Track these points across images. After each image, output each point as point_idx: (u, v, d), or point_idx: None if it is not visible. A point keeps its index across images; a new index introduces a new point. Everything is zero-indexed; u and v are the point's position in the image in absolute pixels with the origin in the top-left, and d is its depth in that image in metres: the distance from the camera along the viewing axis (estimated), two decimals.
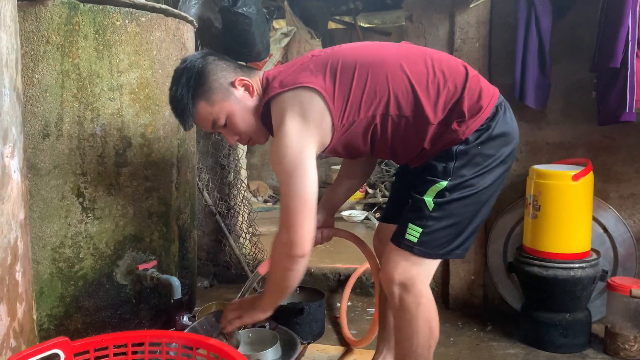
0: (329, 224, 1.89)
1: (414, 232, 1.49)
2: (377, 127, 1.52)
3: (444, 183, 1.48)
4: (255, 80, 1.59)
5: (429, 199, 1.49)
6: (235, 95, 1.55)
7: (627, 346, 2.22)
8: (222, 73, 1.56)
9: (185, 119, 1.57)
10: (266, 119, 1.55)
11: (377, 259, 1.94)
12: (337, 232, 1.94)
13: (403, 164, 1.71)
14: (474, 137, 1.48)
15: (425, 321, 1.53)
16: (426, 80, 1.49)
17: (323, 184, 5.61)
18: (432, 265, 1.55)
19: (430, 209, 1.48)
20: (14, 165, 1.35)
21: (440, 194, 1.48)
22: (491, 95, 1.52)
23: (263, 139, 1.65)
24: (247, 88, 1.57)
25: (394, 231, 1.57)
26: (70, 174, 1.84)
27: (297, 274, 1.50)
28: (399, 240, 1.52)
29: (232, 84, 1.55)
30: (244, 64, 1.63)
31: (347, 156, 1.70)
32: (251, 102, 1.57)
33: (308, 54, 1.62)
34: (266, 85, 1.56)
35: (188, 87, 1.53)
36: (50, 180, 1.82)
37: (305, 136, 1.44)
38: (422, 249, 1.50)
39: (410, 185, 1.60)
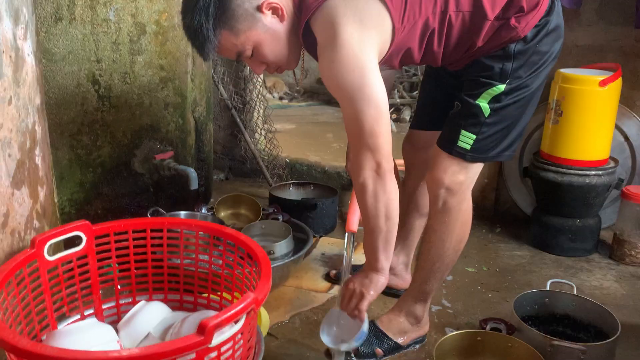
0: None
1: (467, 139, 1.43)
2: (435, 29, 1.38)
3: (502, 87, 1.39)
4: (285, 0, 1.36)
5: (484, 104, 1.41)
6: (263, 22, 1.33)
7: (633, 252, 2.26)
8: None
9: (206, 51, 1.35)
10: (309, 37, 1.35)
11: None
12: None
13: (442, 66, 1.58)
14: (532, 34, 1.37)
15: (461, 224, 1.55)
16: None
17: None
18: (479, 169, 1.52)
19: (487, 115, 1.41)
20: (27, 48, 1.32)
21: (496, 98, 1.40)
22: None
23: (294, 65, 1.46)
24: (276, 11, 1.34)
25: (442, 135, 1.50)
26: (84, 61, 1.81)
27: (394, 195, 1.36)
28: (451, 147, 1.46)
29: (259, 9, 1.32)
30: None
31: (397, 66, 1.52)
32: (281, 27, 1.36)
33: None
34: (300, 1, 1.35)
35: (207, 15, 1.30)
36: (65, 66, 1.79)
37: (366, 45, 1.27)
38: (474, 155, 1.45)
39: (451, 87, 1.53)
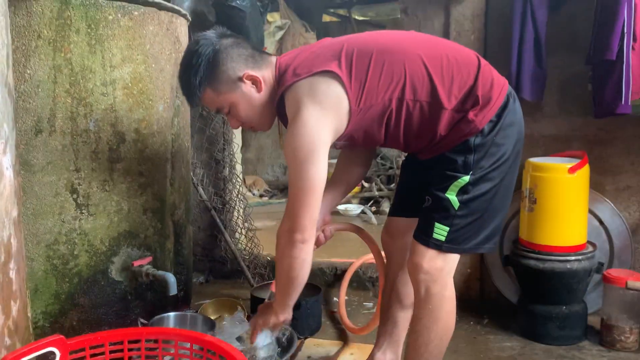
0: (327, 222, 1.89)
1: (441, 231, 1.51)
2: (392, 112, 1.52)
3: (467, 178, 1.49)
4: (267, 73, 1.59)
5: (453, 197, 1.50)
6: (242, 90, 1.57)
7: (622, 338, 2.23)
8: (232, 64, 1.56)
9: (190, 101, 1.62)
10: (281, 109, 1.57)
11: (378, 246, 1.99)
12: (338, 226, 1.95)
13: (413, 153, 1.72)
14: (488, 128, 1.49)
15: (446, 313, 1.57)
16: (440, 66, 1.50)
17: None
18: (457, 258, 1.58)
19: (456, 208, 1.50)
20: (7, 162, 1.33)
21: (463, 189, 1.49)
22: (502, 85, 1.54)
23: (267, 127, 1.67)
24: (255, 83, 1.58)
25: (418, 228, 1.59)
26: (63, 170, 1.82)
27: (303, 263, 1.52)
28: (426, 239, 1.54)
29: (240, 79, 1.56)
30: (258, 49, 1.66)
31: (363, 145, 1.70)
32: (258, 96, 1.59)
33: (320, 41, 1.64)
34: (280, 76, 1.57)
35: (197, 74, 1.54)
36: (44, 177, 1.80)
37: (322, 124, 1.46)
38: (450, 246, 1.53)
39: (424, 179, 1.62)
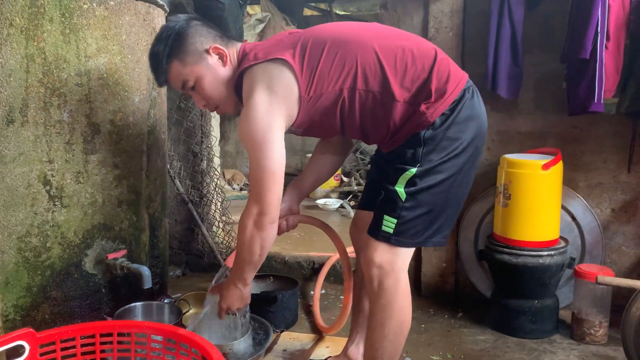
0: (294, 211, 1.89)
1: (389, 224, 1.52)
2: (345, 101, 1.54)
3: (413, 170, 1.49)
4: (232, 51, 1.64)
5: (400, 189, 1.50)
6: (208, 62, 1.60)
7: (592, 331, 2.28)
8: (200, 38, 1.60)
9: (158, 74, 1.63)
10: (239, 90, 1.60)
11: (342, 241, 2.01)
12: (302, 218, 1.93)
13: (374, 145, 1.74)
14: (440, 121, 1.49)
15: (400, 308, 1.56)
16: (394, 58, 1.51)
17: (297, 172, 5.60)
18: (409, 252, 1.57)
19: (403, 200, 1.50)
20: None
21: (410, 181, 1.50)
22: (459, 79, 1.54)
23: (231, 109, 1.69)
24: (221, 57, 1.62)
25: (371, 222, 1.59)
26: (36, 162, 1.79)
27: (267, 242, 1.57)
28: (376, 232, 1.54)
29: (207, 51, 1.60)
30: (225, 33, 1.70)
31: (321, 133, 1.74)
32: (223, 71, 1.62)
33: (286, 31, 1.66)
34: (242, 57, 1.61)
35: (165, 45, 1.59)
36: (15, 168, 1.77)
37: (273, 109, 1.50)
38: (398, 239, 1.52)
39: (384, 173, 1.62)
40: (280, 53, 1.53)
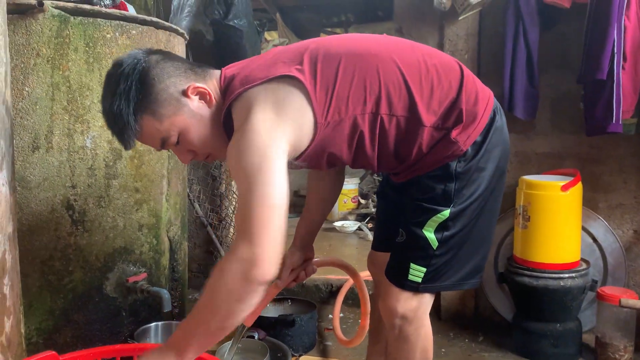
0: (309, 257, 1.69)
1: (417, 272, 1.36)
2: (364, 129, 1.29)
3: (446, 212, 1.31)
4: (213, 84, 1.31)
5: (430, 235, 1.33)
6: (190, 107, 1.26)
7: (617, 356, 2.23)
8: (171, 80, 1.25)
9: (126, 138, 1.25)
10: (228, 126, 1.27)
11: (360, 277, 1.86)
12: (321, 262, 1.78)
13: (383, 172, 1.56)
14: (472, 151, 1.31)
15: (422, 351, 1.48)
16: (419, 75, 1.29)
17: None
18: (434, 295, 1.46)
19: (435, 248, 1.33)
20: (3, 179, 1.34)
21: (443, 225, 1.32)
22: (487, 98, 1.36)
23: (224, 153, 1.26)
24: (203, 96, 1.28)
25: (390, 266, 1.43)
26: (59, 187, 1.84)
27: (248, 309, 1.11)
28: (402, 281, 1.38)
29: (184, 93, 1.26)
30: (196, 63, 1.35)
31: (325, 166, 1.41)
32: (209, 112, 1.28)
33: (272, 49, 1.37)
34: (225, 87, 1.29)
35: (128, 100, 1.21)
36: (40, 193, 1.81)
37: (277, 130, 1.16)
38: (427, 286, 1.38)
39: (399, 208, 1.46)
40: (283, 69, 1.23)
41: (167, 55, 1.30)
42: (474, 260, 1.41)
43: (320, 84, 1.24)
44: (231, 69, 1.34)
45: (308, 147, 1.27)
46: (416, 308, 1.40)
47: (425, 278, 1.36)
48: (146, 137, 1.28)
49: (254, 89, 1.21)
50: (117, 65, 1.25)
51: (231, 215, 3.18)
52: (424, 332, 1.46)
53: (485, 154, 1.33)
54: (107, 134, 1.88)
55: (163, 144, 1.29)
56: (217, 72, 1.34)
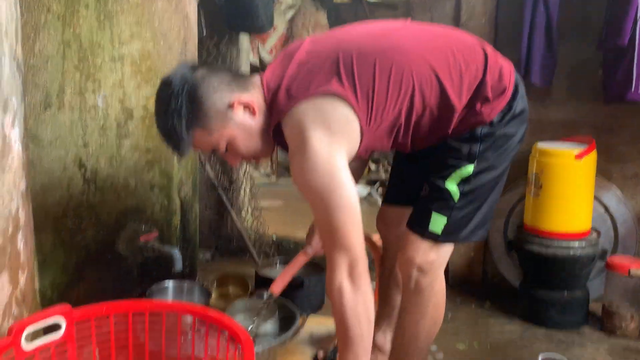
0: None
1: (438, 223, 1.44)
2: (402, 124, 1.42)
3: (470, 168, 1.42)
4: (256, 94, 1.40)
5: (453, 188, 1.43)
6: (235, 120, 1.37)
7: (623, 325, 2.24)
8: (217, 94, 1.35)
9: (181, 151, 1.39)
10: (279, 137, 1.40)
11: (379, 249, 1.91)
12: None
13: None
14: (498, 118, 1.42)
15: (434, 306, 1.53)
16: (447, 66, 1.38)
17: None
18: (450, 250, 1.52)
19: (456, 200, 1.43)
20: (15, 136, 1.35)
21: (465, 180, 1.43)
22: (509, 72, 1.45)
23: (269, 154, 1.49)
24: (248, 108, 1.38)
25: (412, 217, 1.51)
26: (72, 145, 1.84)
27: (370, 297, 1.33)
28: (423, 231, 1.46)
29: (231, 106, 1.36)
30: (238, 72, 1.50)
31: (365, 155, 1.54)
32: (253, 122, 1.39)
33: (303, 45, 1.43)
34: (272, 99, 1.38)
35: (180, 117, 1.32)
36: (52, 151, 1.82)
37: (334, 149, 1.29)
38: (446, 237, 1.46)
39: (421, 166, 1.55)
40: (325, 84, 1.31)
41: (211, 69, 1.40)
42: (481, 215, 1.49)
43: (361, 92, 1.33)
44: (270, 74, 1.41)
45: (359, 149, 1.39)
46: (433, 261, 1.48)
47: (445, 229, 1.44)
48: (198, 147, 1.42)
49: (301, 107, 1.31)
50: (166, 85, 1.35)
51: (242, 177, 3.18)
52: (438, 286, 1.52)
53: (511, 121, 1.43)
54: (119, 93, 1.89)
55: (213, 152, 1.44)
56: (257, 80, 1.42)
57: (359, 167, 1.76)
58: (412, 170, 1.64)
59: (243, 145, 1.40)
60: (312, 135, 1.28)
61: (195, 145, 1.40)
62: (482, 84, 1.39)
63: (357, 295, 1.30)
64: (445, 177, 1.44)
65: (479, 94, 1.40)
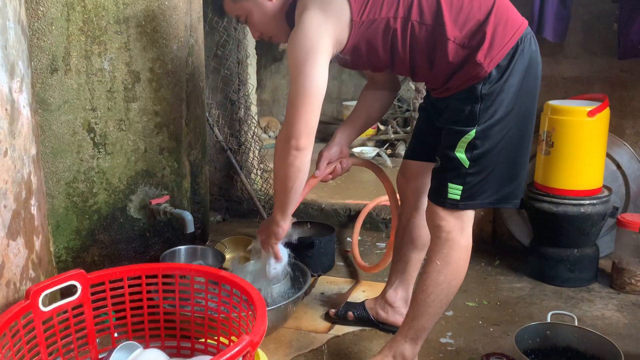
0: (345, 154, 1.88)
1: (455, 191, 1.50)
2: (396, 32, 1.48)
3: (473, 132, 1.45)
4: None
5: (461, 155, 1.47)
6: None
7: (633, 281, 2.25)
8: None
9: (216, 7, 1.85)
10: (291, 17, 1.57)
11: (393, 185, 2.00)
12: (356, 161, 1.96)
13: (426, 90, 1.71)
14: (497, 73, 1.43)
15: (458, 259, 1.56)
16: None
17: (334, 120, 5.57)
18: (473, 213, 1.57)
19: (467, 166, 1.48)
20: (23, 101, 1.34)
21: (471, 145, 1.46)
22: (517, 26, 1.46)
23: (284, 38, 1.65)
24: None
25: (431, 190, 1.58)
26: (80, 110, 1.84)
27: (298, 172, 1.52)
28: (442, 200, 1.52)
29: None
30: None
31: (368, 66, 1.67)
32: (270, 5, 1.60)
33: None
34: None
35: None
36: (61, 116, 1.82)
37: (322, 29, 1.45)
38: (467, 203, 1.51)
39: (437, 125, 1.60)
40: None
41: None
42: (510, 181, 1.53)
43: None
44: None
45: (347, 42, 1.51)
46: (460, 225, 1.54)
47: (463, 196, 1.49)
48: (227, 11, 1.69)
49: None
50: None
51: (250, 140, 3.18)
52: (464, 241, 1.56)
53: (511, 77, 1.44)
54: (125, 56, 1.87)
55: (237, 19, 1.69)
56: None
57: (391, 81, 1.85)
58: (429, 128, 1.70)
59: (258, 22, 1.64)
60: (308, 13, 1.47)
61: (225, 9, 1.68)
62: (481, 25, 1.42)
63: (281, 162, 1.53)
64: (453, 147, 1.48)
65: (475, 34, 1.43)
